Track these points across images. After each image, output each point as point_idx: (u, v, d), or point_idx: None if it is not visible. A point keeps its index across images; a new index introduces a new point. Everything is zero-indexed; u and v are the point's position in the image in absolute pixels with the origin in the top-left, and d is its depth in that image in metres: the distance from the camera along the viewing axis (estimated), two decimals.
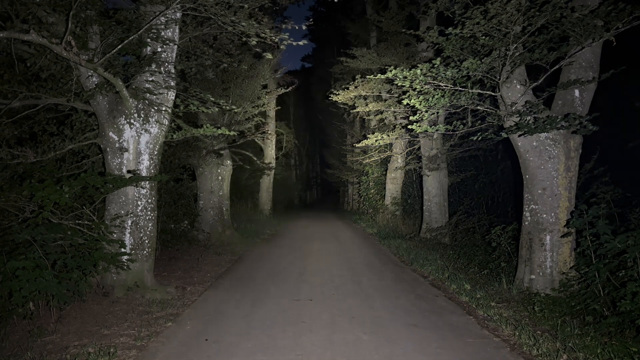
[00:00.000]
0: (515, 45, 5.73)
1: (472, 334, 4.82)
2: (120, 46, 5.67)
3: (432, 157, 12.54)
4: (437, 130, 7.17)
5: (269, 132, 18.09)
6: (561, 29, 5.61)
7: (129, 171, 6.20)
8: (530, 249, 6.43)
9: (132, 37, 5.74)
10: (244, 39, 6.39)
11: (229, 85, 11.06)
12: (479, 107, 6.75)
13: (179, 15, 6.36)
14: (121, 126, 6.19)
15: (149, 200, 6.37)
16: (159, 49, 6.32)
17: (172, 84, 6.48)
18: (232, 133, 7.41)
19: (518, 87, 6.49)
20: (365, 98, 14.08)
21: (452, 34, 5.81)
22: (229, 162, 12.29)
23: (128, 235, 6.21)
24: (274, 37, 6.22)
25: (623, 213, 6.60)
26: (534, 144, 6.40)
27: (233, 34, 6.69)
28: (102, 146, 6.33)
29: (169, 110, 6.49)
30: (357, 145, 15.17)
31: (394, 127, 13.88)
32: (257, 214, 18.02)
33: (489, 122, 6.81)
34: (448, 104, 6.67)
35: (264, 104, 12.35)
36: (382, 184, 18.32)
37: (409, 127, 7.65)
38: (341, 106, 16.66)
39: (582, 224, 5.72)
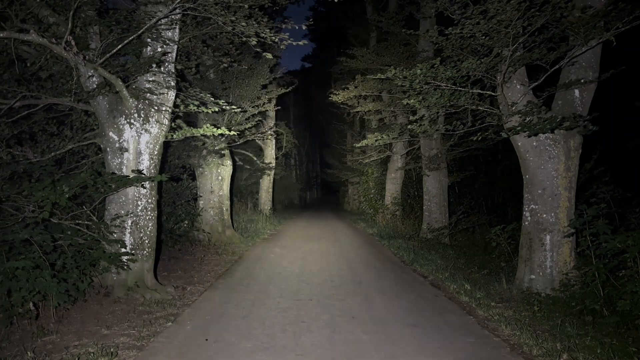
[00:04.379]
0: (515, 45, 5.73)
1: (472, 334, 4.82)
2: (120, 46, 5.67)
3: (432, 157, 12.54)
4: (437, 130, 7.17)
5: (269, 132, 18.08)
6: (561, 28, 5.61)
7: (132, 171, 6.20)
8: (530, 249, 6.43)
9: (132, 37, 5.74)
10: (244, 39, 6.39)
11: (229, 85, 11.06)
12: (479, 107, 6.75)
13: (179, 15, 6.36)
14: (121, 126, 6.19)
15: (149, 200, 6.37)
16: (159, 49, 6.32)
17: (173, 83, 6.48)
18: (232, 133, 7.41)
19: (518, 87, 6.49)
20: (365, 98, 14.09)
21: (452, 34, 5.81)
22: (229, 162, 12.29)
23: (128, 235, 6.21)
24: (273, 37, 6.22)
25: (623, 213, 6.60)
26: (534, 144, 6.40)
27: (233, 34, 6.70)
28: (102, 146, 6.33)
29: (169, 110, 6.49)
30: (357, 145, 15.17)
31: (394, 127, 13.90)
32: (257, 214, 18.00)
33: (489, 122, 6.81)
34: (448, 104, 6.66)
35: (264, 104, 12.35)
36: (382, 184, 18.32)
37: (409, 127, 7.65)
38: (341, 106, 16.67)
39: (582, 224, 5.72)
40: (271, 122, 19.05)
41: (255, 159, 18.23)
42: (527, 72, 6.63)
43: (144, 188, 6.30)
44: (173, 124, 6.75)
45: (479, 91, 6.43)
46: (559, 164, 6.31)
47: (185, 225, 10.75)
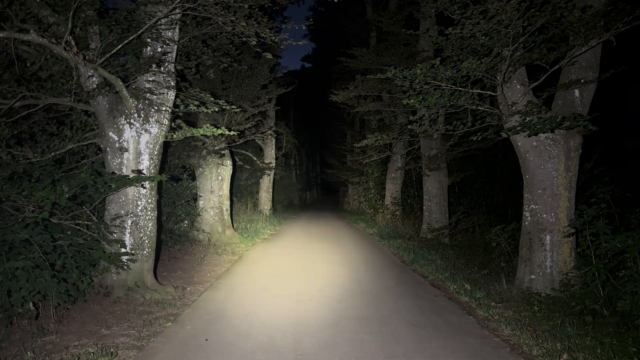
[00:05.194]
0: (515, 45, 5.74)
1: (472, 334, 4.82)
2: (120, 46, 5.67)
3: (432, 157, 12.54)
4: (437, 130, 7.17)
5: (269, 132, 18.08)
6: (561, 28, 5.61)
7: (132, 171, 6.21)
8: (530, 249, 6.43)
9: (132, 37, 5.74)
10: (244, 39, 6.39)
11: (229, 85, 11.06)
12: (479, 107, 6.75)
13: (179, 15, 6.36)
14: (121, 126, 6.19)
15: (149, 200, 6.37)
16: (159, 49, 6.32)
17: (173, 83, 6.48)
18: (232, 133, 7.41)
19: (518, 87, 6.49)
20: (365, 98, 14.08)
21: (452, 34, 5.81)
22: (229, 162, 12.29)
23: (128, 235, 6.21)
24: (273, 37, 6.22)
25: (623, 213, 6.60)
26: (534, 144, 6.40)
27: (233, 34, 6.70)
28: (102, 146, 6.33)
29: (169, 110, 6.49)
30: (357, 145, 15.16)
31: (394, 127, 13.90)
32: (257, 214, 17.99)
33: (489, 122, 6.82)
34: (448, 104, 6.67)
35: (264, 104, 12.35)
36: (382, 184, 18.33)
37: (409, 127, 7.65)
38: (341, 106, 16.66)
39: (582, 224, 5.72)
40: (271, 122, 19.04)
41: (255, 159, 18.22)
42: (527, 72, 6.62)
43: (144, 188, 6.30)
44: (173, 124, 6.75)
45: (479, 91, 6.43)
46: (559, 164, 6.31)
47: (185, 225, 10.75)
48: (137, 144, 6.29)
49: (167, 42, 6.33)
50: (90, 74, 5.99)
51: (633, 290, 4.67)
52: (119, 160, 6.23)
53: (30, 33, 4.91)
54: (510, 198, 13.19)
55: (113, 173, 6.14)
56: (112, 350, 4.22)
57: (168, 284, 6.91)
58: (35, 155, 6.26)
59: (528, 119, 6.12)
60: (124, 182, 5.89)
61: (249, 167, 18.16)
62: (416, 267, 8.58)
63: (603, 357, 4.10)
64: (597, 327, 4.84)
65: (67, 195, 5.14)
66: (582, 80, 6.19)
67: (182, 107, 6.63)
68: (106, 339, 4.59)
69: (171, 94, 6.53)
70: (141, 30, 5.69)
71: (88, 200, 6.26)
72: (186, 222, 10.80)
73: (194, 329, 4.92)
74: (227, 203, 12.35)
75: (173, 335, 4.74)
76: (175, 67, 6.65)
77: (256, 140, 18.19)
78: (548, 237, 6.28)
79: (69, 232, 5.78)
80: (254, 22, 6.07)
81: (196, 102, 6.58)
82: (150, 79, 6.28)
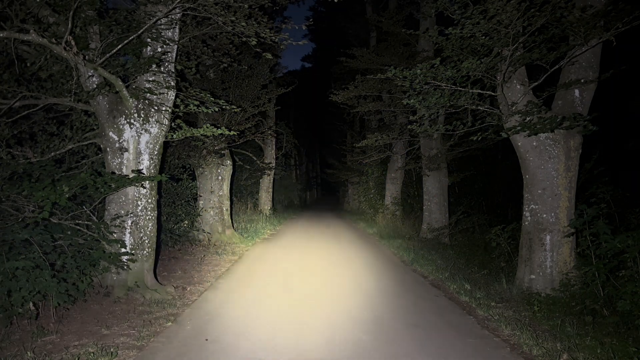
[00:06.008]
0: (515, 45, 5.74)
1: (472, 334, 4.82)
2: (120, 46, 5.67)
3: (432, 157, 12.54)
4: (437, 130, 7.17)
5: (269, 132, 18.07)
6: (561, 28, 5.62)
7: (132, 171, 6.21)
8: (530, 249, 6.43)
9: (132, 37, 5.74)
10: (244, 39, 6.39)
11: (229, 85, 11.06)
12: (479, 107, 6.75)
13: (179, 15, 6.36)
14: (121, 126, 6.19)
15: (149, 200, 6.37)
16: (159, 49, 6.32)
17: (173, 83, 6.48)
18: (232, 133, 7.41)
19: (518, 87, 6.49)
20: (365, 98, 14.08)
21: (452, 34, 5.82)
22: (229, 162, 12.28)
23: (128, 235, 6.21)
24: (273, 37, 6.22)
25: (623, 213, 6.60)
26: (534, 144, 6.40)
27: (233, 34, 6.70)
28: (102, 146, 6.33)
29: (169, 110, 6.49)
30: (357, 145, 15.16)
31: (394, 127, 13.89)
32: (257, 214, 17.98)
33: (489, 122, 6.82)
34: (448, 104, 6.67)
35: (264, 104, 12.35)
36: (382, 184, 18.32)
37: (409, 127, 7.65)
38: (341, 106, 16.66)
39: (582, 224, 5.72)
40: (271, 122, 19.03)
41: (255, 159, 18.21)
42: (527, 72, 6.63)
43: (144, 188, 6.30)
44: (173, 124, 6.75)
45: (479, 91, 6.43)
46: (559, 163, 6.31)
47: (185, 225, 10.75)
48: (137, 144, 6.29)
49: (167, 42, 6.33)
50: (90, 74, 5.99)
51: (633, 290, 4.68)
52: (119, 160, 6.23)
53: (30, 33, 4.91)
54: (510, 198, 13.18)
55: (113, 173, 6.14)
56: (112, 350, 4.22)
57: (168, 283, 6.91)
58: (35, 155, 6.25)
59: (528, 118, 6.12)
60: (124, 182, 5.89)
61: (249, 167, 18.16)
62: (416, 267, 8.58)
63: (603, 357, 4.10)
64: (597, 327, 4.84)
65: (67, 195, 5.14)
66: (582, 80, 6.19)
67: (182, 107, 6.62)
68: (106, 339, 4.59)
69: (171, 94, 6.53)
70: (141, 30, 5.69)
71: (88, 200, 6.26)
72: (186, 222, 10.79)
73: (194, 329, 4.93)
74: (227, 203, 12.35)
75: (173, 335, 4.74)
76: (175, 67, 6.65)
77: (256, 140, 18.17)
78: (548, 237, 6.28)
79: (69, 232, 5.78)
80: (254, 22, 6.07)
81: (196, 102, 6.58)
82: (150, 79, 6.28)
